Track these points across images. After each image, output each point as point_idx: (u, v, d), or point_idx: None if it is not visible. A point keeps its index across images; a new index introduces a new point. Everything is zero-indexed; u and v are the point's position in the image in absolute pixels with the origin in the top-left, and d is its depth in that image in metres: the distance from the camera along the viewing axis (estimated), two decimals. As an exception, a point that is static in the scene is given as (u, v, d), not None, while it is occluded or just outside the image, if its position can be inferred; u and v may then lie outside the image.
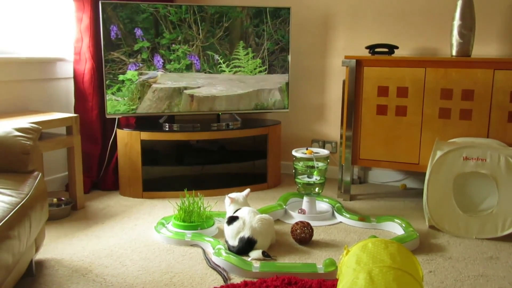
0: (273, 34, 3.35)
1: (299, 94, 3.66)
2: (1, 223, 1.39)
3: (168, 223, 2.56)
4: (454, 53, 2.91)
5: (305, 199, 2.79)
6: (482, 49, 3.14)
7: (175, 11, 3.14)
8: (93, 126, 3.18)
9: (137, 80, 3.09)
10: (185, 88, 3.20)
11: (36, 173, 1.95)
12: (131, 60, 3.08)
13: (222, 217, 2.62)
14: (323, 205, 2.89)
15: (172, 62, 3.17)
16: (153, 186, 3.14)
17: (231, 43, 3.28)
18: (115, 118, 3.21)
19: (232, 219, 2.33)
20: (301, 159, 2.74)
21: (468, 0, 2.84)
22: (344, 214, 2.72)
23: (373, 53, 3.13)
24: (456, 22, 2.88)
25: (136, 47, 3.09)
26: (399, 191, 3.34)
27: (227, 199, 2.51)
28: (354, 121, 3.03)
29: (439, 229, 2.56)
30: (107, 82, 3.04)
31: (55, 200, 2.83)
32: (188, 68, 3.21)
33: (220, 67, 3.27)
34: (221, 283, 1.98)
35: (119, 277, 2.01)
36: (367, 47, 3.16)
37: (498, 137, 2.73)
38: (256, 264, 2.08)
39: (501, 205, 2.44)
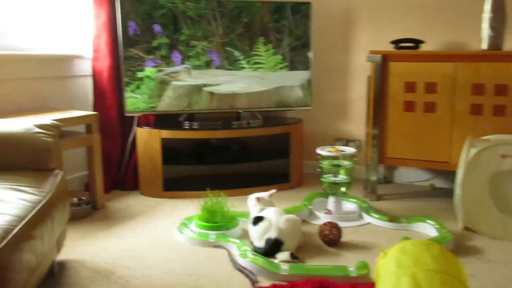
0: (294, 29, 3.27)
1: (321, 91, 3.56)
2: (24, 222, 1.32)
3: (190, 224, 2.48)
4: (485, 46, 2.79)
5: (331, 199, 2.70)
6: (514, 42, 3.02)
7: (194, 7, 3.07)
8: (112, 125, 3.13)
9: (156, 77, 3.02)
10: (205, 85, 3.12)
11: (57, 171, 1.88)
12: (149, 56, 3.02)
13: (246, 218, 2.54)
14: (349, 205, 2.80)
15: (192, 59, 3.09)
16: (174, 186, 3.07)
17: (251, 39, 3.20)
18: (134, 116, 3.15)
19: (257, 220, 2.24)
20: (326, 157, 2.65)
21: (501, -9, 2.73)
22: (372, 214, 2.63)
23: (398, 48, 3.02)
24: (487, 15, 2.76)
25: (155, 43, 3.02)
26: (428, 191, 3.23)
27: (252, 199, 2.43)
28: (381, 119, 2.93)
29: (474, 230, 2.45)
30: (126, 79, 2.98)
31: (75, 199, 2.77)
32: (208, 65, 3.14)
33: (240, 63, 3.19)
34: (249, 286, 1.89)
35: (143, 279, 1.94)
36: (391, 42, 3.06)
37: (534, 133, 2.62)
38: (285, 267, 1.99)
39: (539, 204, 2.32)
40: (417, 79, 2.83)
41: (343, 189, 2.66)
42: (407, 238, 2.22)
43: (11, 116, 2.51)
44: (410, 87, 2.85)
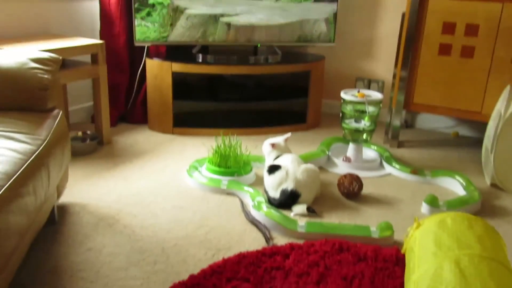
0: (321, -45, 2.90)
1: (347, 27, 3.24)
2: (12, 180, 1.12)
3: (201, 167, 2.29)
4: (536, -15, 2.44)
5: (351, 146, 2.48)
6: None
7: None
8: (120, 54, 2.86)
9: (169, 4, 2.71)
10: (222, 15, 2.82)
11: (56, 111, 1.67)
12: (162, -20, 2.69)
13: (261, 163, 2.35)
14: (370, 153, 2.59)
15: (208, -15, 2.77)
16: (184, 122, 2.85)
17: (274, -36, 2.85)
18: (144, 46, 2.87)
19: (273, 168, 2.05)
20: (350, 102, 2.40)
21: None
22: (394, 165, 2.42)
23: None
24: None
25: (168, -35, 2.69)
26: (451, 139, 3.00)
27: (267, 145, 2.22)
28: (411, 61, 2.64)
29: (502, 188, 2.25)
30: (136, 5, 2.67)
31: (80, 133, 2.59)
32: (225, -9, 2.81)
33: (261, -8, 2.86)
34: (262, 242, 1.73)
35: (149, 229, 1.78)
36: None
37: None
38: (302, 223, 1.82)
39: None
40: (457, 19, 2.50)
41: (365, 136, 2.44)
42: (434, 198, 2.03)
43: (8, 43, 2.26)
44: (448, 28, 2.53)
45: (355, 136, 2.44)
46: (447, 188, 2.27)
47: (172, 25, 2.76)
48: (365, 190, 2.19)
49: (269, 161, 2.18)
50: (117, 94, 2.91)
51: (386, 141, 2.84)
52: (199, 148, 2.62)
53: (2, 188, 1.07)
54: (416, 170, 2.35)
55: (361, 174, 2.37)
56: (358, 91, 2.42)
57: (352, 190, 2.09)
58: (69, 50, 2.30)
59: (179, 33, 2.78)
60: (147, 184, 2.16)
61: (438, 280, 1.10)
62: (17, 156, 1.22)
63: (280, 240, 1.75)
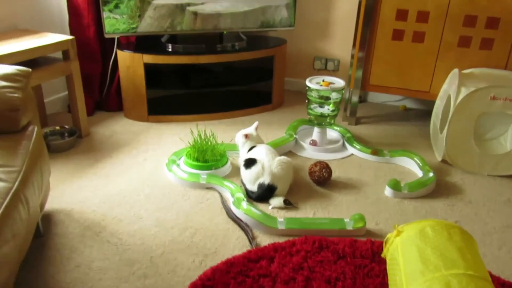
0: None
1: (306, 10, 2.96)
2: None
3: (179, 159, 2.06)
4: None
5: (316, 129, 2.30)
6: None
7: None
8: (91, 45, 2.50)
9: (136, -5, 2.36)
10: (188, 4, 2.48)
11: (30, 128, 1.38)
12: (127, -30, 2.32)
13: (235, 151, 2.14)
14: (333, 134, 2.42)
15: (173, -27, 2.41)
16: (159, 110, 2.57)
17: (236, -49, 2.51)
18: (115, 38, 2.52)
19: (249, 162, 1.84)
20: (316, 90, 2.20)
21: None
22: (355, 145, 2.27)
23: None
24: None
25: (132, -45, 2.30)
26: (400, 112, 2.87)
27: (240, 137, 2.01)
28: (367, 46, 2.44)
29: (451, 164, 2.16)
30: (102, -3, 2.30)
31: (57, 128, 2.27)
32: (190, -20, 2.47)
33: (224, -21, 2.53)
34: (246, 242, 1.56)
35: (135, 236, 1.56)
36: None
37: (518, 69, 2.22)
38: (280, 219, 1.65)
39: (520, 145, 2.02)
40: (410, 6, 2.30)
41: (328, 120, 2.26)
42: (396, 181, 1.89)
43: (-26, 45, 1.89)
44: (401, 14, 2.33)
45: (320, 120, 2.26)
46: (404, 166, 2.15)
47: (141, 16, 2.42)
48: (333, 174, 2.03)
49: (243, 153, 1.98)
50: (92, 83, 2.58)
51: (345, 118, 2.67)
52: (175, 136, 2.37)
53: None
54: (375, 151, 2.21)
55: (327, 156, 2.21)
56: (323, 80, 2.21)
57: (322, 178, 1.93)
58: (39, 50, 1.95)
59: (147, 24, 2.44)
60: (128, 181, 1.91)
61: (432, 308, 0.97)
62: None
63: (262, 239, 1.58)
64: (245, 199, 1.73)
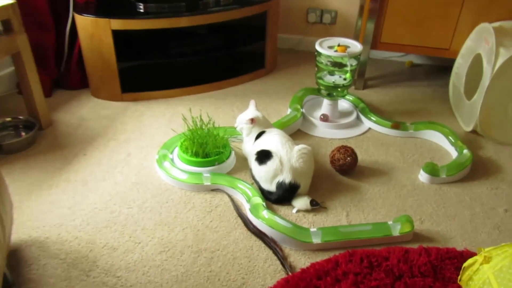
0: None
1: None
2: None
3: (171, 154, 1.70)
4: None
5: (327, 101, 1.98)
6: None
7: None
8: (38, 8, 2.00)
9: None
10: (160, -50, 2.00)
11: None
12: None
13: (235, 136, 1.80)
14: (344, 104, 2.11)
15: None
16: (134, 86, 2.14)
17: None
18: (68, -4, 2.02)
19: (263, 156, 1.51)
20: (328, 56, 1.84)
21: None
22: (371, 117, 1.98)
23: None
24: None
25: None
26: (408, 70, 2.58)
27: (244, 122, 1.64)
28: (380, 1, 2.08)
29: (481, 134, 1.92)
30: None
31: (8, 119, 1.83)
32: None
33: None
34: (276, 265, 1.27)
35: (137, 270, 1.23)
36: None
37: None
38: (313, 229, 1.36)
39: None
40: None
41: (342, 91, 1.94)
42: (433, 165, 1.63)
43: None
44: (421, -42, 1.96)
45: (332, 91, 1.93)
46: (432, 142, 1.89)
47: (101, -31, 1.92)
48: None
49: (249, 141, 1.64)
50: (45, 57, 2.10)
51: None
52: (159, 119, 1.98)
53: None
54: (397, 124, 1.93)
55: (342, 133, 1.92)
56: (338, 44, 1.85)
57: (347, 165, 1.64)
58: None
59: (111, -21, 1.96)
60: (112, 187, 1.55)
61: None
62: None
63: (294, 257, 1.30)
64: (265, 204, 1.43)
